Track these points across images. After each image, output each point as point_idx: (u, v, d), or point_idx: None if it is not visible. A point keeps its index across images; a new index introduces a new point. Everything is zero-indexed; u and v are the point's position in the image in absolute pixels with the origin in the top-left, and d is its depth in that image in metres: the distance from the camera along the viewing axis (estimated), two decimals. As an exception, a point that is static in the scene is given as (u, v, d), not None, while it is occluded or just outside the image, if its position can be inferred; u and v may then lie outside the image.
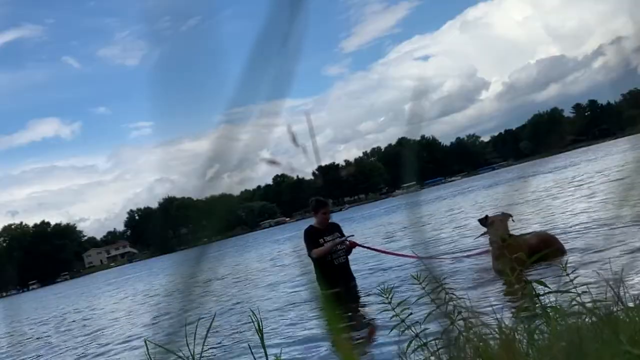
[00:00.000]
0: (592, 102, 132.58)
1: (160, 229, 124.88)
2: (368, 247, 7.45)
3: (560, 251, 5.82)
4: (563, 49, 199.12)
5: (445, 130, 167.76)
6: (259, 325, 1.89)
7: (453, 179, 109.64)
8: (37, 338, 11.75)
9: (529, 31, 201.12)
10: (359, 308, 6.15)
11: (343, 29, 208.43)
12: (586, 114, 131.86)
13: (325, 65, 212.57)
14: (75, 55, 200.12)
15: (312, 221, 7.27)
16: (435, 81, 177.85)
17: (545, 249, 5.09)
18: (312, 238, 6.98)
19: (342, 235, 7.17)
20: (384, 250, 7.37)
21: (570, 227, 7.76)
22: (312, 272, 7.17)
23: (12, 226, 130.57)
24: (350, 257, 7.26)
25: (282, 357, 2.62)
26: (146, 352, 1.72)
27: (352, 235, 7.15)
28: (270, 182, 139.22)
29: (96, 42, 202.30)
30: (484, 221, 6.10)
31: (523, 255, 2.32)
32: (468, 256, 6.90)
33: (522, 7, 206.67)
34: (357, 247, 7.26)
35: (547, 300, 1.98)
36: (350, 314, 5.83)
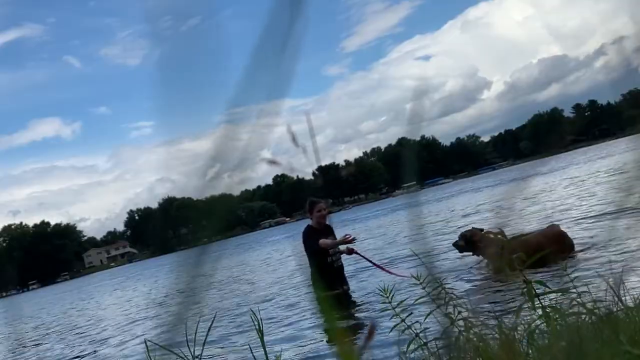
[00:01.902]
0: (592, 102, 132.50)
1: (160, 229, 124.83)
2: (365, 258, 7.42)
3: (569, 247, 5.77)
4: (565, 48, 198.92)
5: (445, 130, 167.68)
6: (259, 326, 1.89)
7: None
8: (37, 340, 11.75)
9: (530, 31, 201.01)
10: (359, 308, 6.15)
11: (344, 28, 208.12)
12: (586, 114, 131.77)
13: (326, 65, 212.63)
14: (76, 55, 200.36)
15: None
16: (436, 81, 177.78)
17: (553, 246, 5.09)
18: (311, 237, 6.99)
19: (335, 238, 7.18)
20: (378, 265, 7.33)
21: (571, 225, 7.76)
22: (310, 274, 7.16)
23: (12, 226, 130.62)
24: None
25: (282, 358, 2.62)
26: (146, 352, 1.72)
27: (353, 239, 7.01)
28: (270, 182, 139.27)
29: (97, 42, 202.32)
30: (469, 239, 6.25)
31: (523, 255, 2.32)
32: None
33: (522, 7, 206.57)
34: (354, 253, 7.27)
35: (547, 299, 1.98)
36: (349, 314, 5.83)
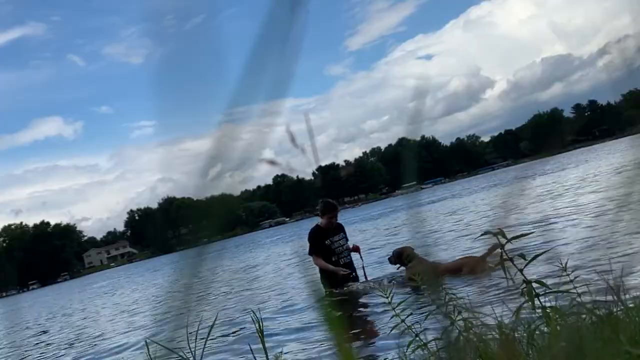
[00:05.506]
0: (592, 102, 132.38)
1: (160, 229, 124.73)
2: (363, 268, 7.41)
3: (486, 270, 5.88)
4: (568, 47, 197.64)
5: (448, 129, 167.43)
6: (259, 326, 1.90)
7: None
8: (36, 340, 11.75)
9: (533, 30, 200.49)
10: (360, 308, 6.16)
11: (348, 27, 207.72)
12: (586, 114, 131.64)
13: (329, 65, 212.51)
14: (79, 54, 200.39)
15: (312, 220, 7.31)
16: (439, 80, 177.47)
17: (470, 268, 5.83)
18: (317, 238, 7.03)
19: (346, 235, 7.25)
20: (365, 275, 7.33)
21: (570, 225, 7.76)
22: (316, 271, 7.16)
23: (12, 226, 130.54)
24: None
25: (283, 357, 2.62)
26: (147, 352, 1.72)
27: (349, 273, 7.08)
28: (270, 182, 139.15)
29: (99, 41, 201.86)
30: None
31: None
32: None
33: (525, 6, 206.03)
34: (358, 252, 7.29)
35: (546, 299, 1.98)
36: (351, 313, 5.84)
